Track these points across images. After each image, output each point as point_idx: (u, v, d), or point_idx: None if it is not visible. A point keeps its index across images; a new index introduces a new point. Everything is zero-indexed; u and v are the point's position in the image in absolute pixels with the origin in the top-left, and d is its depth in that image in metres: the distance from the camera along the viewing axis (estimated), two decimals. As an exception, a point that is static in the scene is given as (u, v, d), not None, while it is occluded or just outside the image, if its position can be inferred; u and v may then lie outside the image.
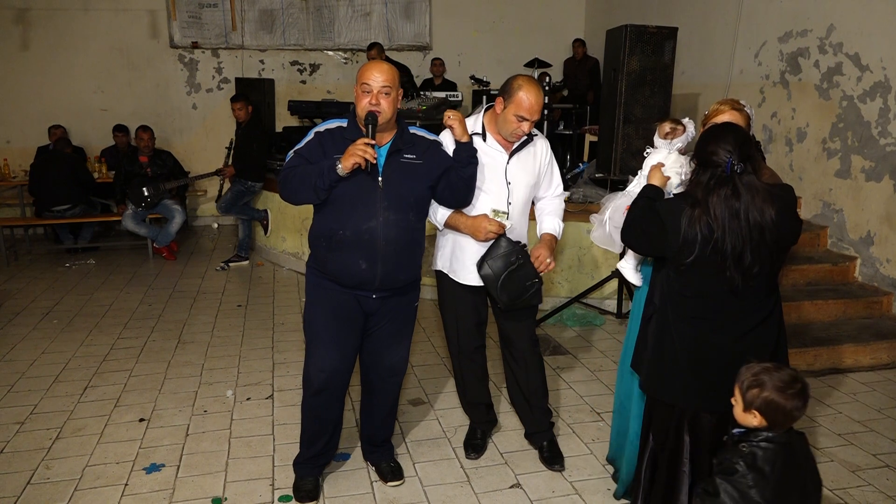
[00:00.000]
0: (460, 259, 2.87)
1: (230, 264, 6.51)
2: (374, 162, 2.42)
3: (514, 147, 2.80)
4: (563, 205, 3.03)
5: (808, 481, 1.85)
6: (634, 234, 2.27)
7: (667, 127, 2.67)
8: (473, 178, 2.68)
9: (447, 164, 2.66)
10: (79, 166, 7.06)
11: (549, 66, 8.20)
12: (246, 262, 6.60)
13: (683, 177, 2.62)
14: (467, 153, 2.63)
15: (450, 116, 2.61)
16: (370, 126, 2.44)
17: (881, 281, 4.77)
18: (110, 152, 7.80)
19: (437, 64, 8.37)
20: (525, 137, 2.79)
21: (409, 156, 2.58)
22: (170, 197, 6.84)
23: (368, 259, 2.55)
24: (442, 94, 7.14)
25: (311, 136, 2.60)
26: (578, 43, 8.65)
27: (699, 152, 2.13)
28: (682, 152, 2.64)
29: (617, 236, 2.65)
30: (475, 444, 3.17)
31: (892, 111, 4.68)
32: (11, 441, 3.24)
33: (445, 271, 2.94)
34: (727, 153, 2.03)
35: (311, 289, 2.71)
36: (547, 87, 7.43)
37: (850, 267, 4.96)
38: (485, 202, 2.80)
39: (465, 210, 2.81)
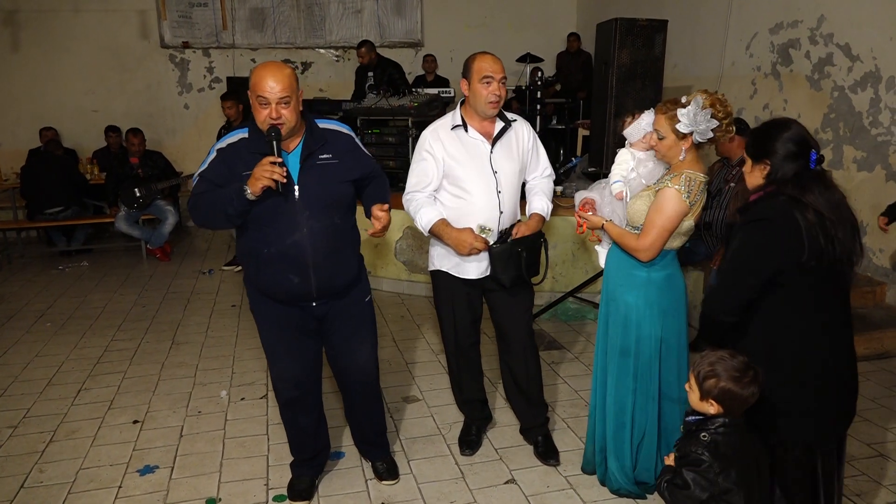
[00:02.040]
0: (454, 252, 2.85)
1: (225, 268, 6.44)
2: (284, 181, 2.24)
3: (495, 135, 2.79)
4: (551, 185, 3.02)
5: (759, 455, 1.91)
6: (737, 278, 1.99)
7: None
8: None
9: (366, 166, 2.56)
10: (71, 168, 7.04)
11: (541, 60, 8.19)
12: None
13: (627, 174, 2.64)
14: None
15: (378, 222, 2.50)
16: (274, 143, 2.25)
17: (874, 271, 4.77)
18: (102, 153, 7.78)
19: (429, 60, 8.36)
20: (503, 124, 2.79)
21: (324, 156, 2.41)
22: (162, 197, 6.82)
23: (299, 273, 2.42)
24: (434, 91, 7.14)
25: (212, 154, 2.41)
26: (574, 36, 8.62)
27: (768, 149, 1.95)
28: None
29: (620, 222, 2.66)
30: (470, 441, 3.16)
31: (882, 101, 4.69)
32: (4, 445, 3.23)
33: (445, 269, 2.92)
34: (798, 145, 1.92)
35: (254, 304, 2.60)
36: (539, 82, 7.43)
37: (843, 257, 4.96)
38: (476, 192, 2.78)
39: (461, 202, 2.81)
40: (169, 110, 8.60)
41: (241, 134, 2.41)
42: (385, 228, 2.52)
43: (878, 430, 3.29)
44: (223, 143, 2.42)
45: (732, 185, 4.31)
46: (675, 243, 2.52)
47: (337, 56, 8.97)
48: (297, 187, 2.37)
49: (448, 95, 7.38)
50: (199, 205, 2.39)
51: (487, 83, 2.69)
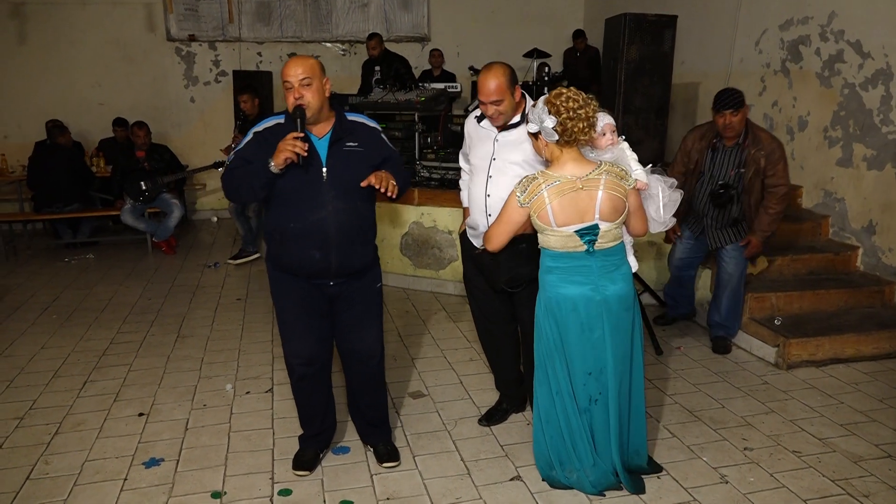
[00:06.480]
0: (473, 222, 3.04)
1: (238, 261, 6.40)
2: (305, 154, 2.43)
3: (505, 125, 2.89)
4: None
5: None
6: None
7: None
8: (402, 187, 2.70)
9: (386, 153, 2.73)
10: (77, 161, 7.04)
11: (548, 56, 8.15)
12: (256, 256, 6.48)
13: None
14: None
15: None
16: (298, 120, 2.48)
17: (883, 270, 4.74)
18: (108, 143, 7.78)
19: (436, 55, 8.32)
20: (518, 118, 2.86)
21: (350, 143, 2.62)
22: (168, 191, 6.81)
23: (322, 249, 2.60)
24: (441, 86, 7.09)
25: (249, 136, 2.64)
26: (581, 39, 8.55)
27: None
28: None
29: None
30: (491, 413, 3.31)
31: (893, 98, 4.64)
32: (10, 436, 3.24)
33: (467, 234, 3.10)
34: None
35: (273, 282, 2.78)
36: (546, 78, 7.39)
37: (851, 256, 4.93)
38: (474, 173, 2.97)
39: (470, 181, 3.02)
40: (175, 103, 8.59)
41: (277, 119, 2.62)
42: (385, 188, 2.54)
43: (887, 431, 3.27)
44: (260, 127, 2.63)
45: (742, 170, 4.20)
46: (552, 241, 2.54)
47: (343, 50, 8.94)
48: (325, 169, 2.56)
49: (455, 90, 7.34)
50: (231, 178, 2.60)
51: (483, 104, 2.80)
